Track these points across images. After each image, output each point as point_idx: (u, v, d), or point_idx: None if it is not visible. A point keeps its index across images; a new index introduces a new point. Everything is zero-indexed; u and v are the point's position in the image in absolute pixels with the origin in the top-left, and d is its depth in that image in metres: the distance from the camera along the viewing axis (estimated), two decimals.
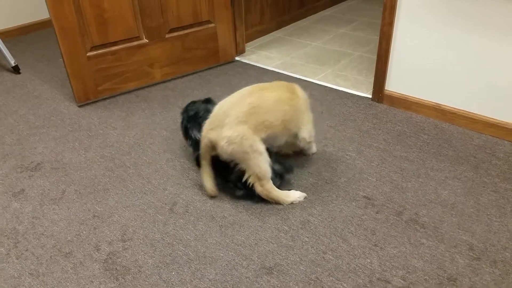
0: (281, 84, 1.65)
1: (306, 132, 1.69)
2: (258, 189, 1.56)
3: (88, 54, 2.29)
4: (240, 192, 1.64)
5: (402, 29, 2.05)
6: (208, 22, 2.63)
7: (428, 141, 1.96)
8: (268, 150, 1.56)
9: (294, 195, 1.63)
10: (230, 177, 1.62)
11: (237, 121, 1.48)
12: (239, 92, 1.60)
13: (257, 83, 1.64)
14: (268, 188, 1.57)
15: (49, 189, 1.77)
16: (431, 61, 2.03)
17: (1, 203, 1.71)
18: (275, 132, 1.57)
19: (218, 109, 1.57)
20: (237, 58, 2.90)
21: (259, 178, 1.54)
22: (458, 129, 2.03)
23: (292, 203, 1.62)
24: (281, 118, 1.56)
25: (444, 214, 1.55)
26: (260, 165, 1.51)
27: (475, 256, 1.39)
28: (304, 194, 1.64)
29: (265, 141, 1.54)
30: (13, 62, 2.79)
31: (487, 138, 1.95)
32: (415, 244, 1.44)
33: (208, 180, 1.63)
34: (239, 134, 1.47)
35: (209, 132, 1.54)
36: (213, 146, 1.55)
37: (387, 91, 2.23)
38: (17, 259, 1.46)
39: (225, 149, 1.49)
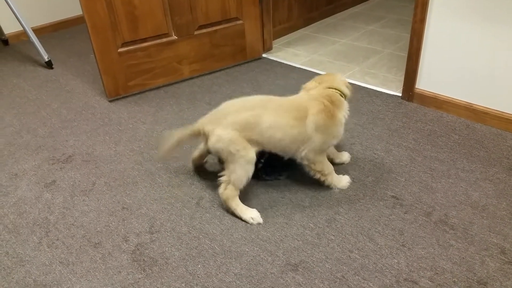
0: (295, 105, 1.57)
1: (308, 156, 1.57)
2: (222, 190, 1.56)
3: (119, 50, 2.34)
4: (267, 178, 1.74)
5: (434, 26, 2.01)
6: (236, 19, 2.64)
7: (459, 141, 1.91)
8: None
9: (250, 214, 1.55)
10: (257, 165, 1.64)
11: (231, 127, 1.52)
12: (250, 98, 1.64)
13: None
14: (229, 194, 1.55)
15: (79, 181, 1.82)
16: (464, 59, 1.97)
17: (33, 193, 1.76)
18: (268, 150, 1.59)
19: (222, 108, 1.60)
20: (264, 55, 2.90)
21: (230, 183, 1.54)
22: (491, 130, 1.97)
23: (245, 221, 1.55)
24: (273, 143, 1.55)
25: (475, 216, 1.51)
26: (237, 172, 1.51)
27: (507, 260, 1.35)
28: (259, 220, 1.55)
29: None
30: (46, 57, 2.87)
31: None
32: (444, 246, 1.41)
33: (168, 146, 1.67)
34: (229, 137, 1.51)
35: (206, 124, 1.57)
36: (202, 135, 1.59)
37: (417, 90, 2.19)
38: (48, 247, 1.50)
39: (213, 143, 1.53)
